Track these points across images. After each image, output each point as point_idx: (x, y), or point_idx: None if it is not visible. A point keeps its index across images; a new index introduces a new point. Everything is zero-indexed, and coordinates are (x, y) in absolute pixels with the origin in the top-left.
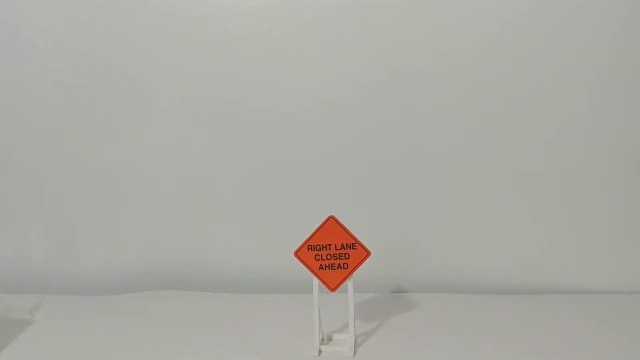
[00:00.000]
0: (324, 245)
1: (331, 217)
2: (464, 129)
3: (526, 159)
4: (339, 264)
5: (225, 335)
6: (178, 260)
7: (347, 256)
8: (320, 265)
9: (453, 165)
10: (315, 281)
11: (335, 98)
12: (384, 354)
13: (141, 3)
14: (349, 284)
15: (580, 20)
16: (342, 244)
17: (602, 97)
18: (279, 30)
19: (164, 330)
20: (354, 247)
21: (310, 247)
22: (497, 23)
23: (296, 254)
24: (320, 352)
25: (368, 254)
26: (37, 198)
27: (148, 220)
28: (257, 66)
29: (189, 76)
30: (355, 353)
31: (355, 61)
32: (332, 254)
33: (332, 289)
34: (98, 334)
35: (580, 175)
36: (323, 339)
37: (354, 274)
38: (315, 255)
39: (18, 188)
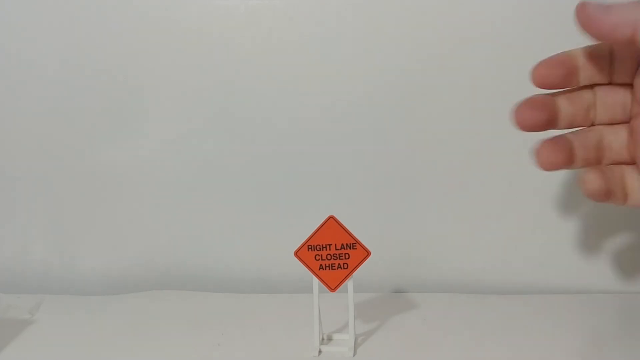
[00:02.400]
0: (324, 245)
1: (331, 217)
2: (464, 129)
3: (527, 159)
4: (339, 264)
5: (225, 335)
6: (178, 260)
7: (347, 256)
8: (320, 265)
9: (453, 165)
10: (315, 281)
11: (335, 98)
12: (384, 354)
13: (141, 3)
14: (349, 284)
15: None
16: (342, 244)
17: None
18: (280, 30)
19: (164, 330)
20: (354, 247)
21: (310, 247)
22: (497, 22)
23: (296, 254)
24: (320, 352)
25: (368, 254)
26: (37, 198)
27: (148, 220)
28: (257, 66)
29: (190, 76)
30: (355, 353)
31: (356, 61)
32: (332, 254)
33: (332, 289)
34: (98, 334)
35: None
36: (323, 339)
37: (354, 274)
38: (315, 255)
39: (18, 188)
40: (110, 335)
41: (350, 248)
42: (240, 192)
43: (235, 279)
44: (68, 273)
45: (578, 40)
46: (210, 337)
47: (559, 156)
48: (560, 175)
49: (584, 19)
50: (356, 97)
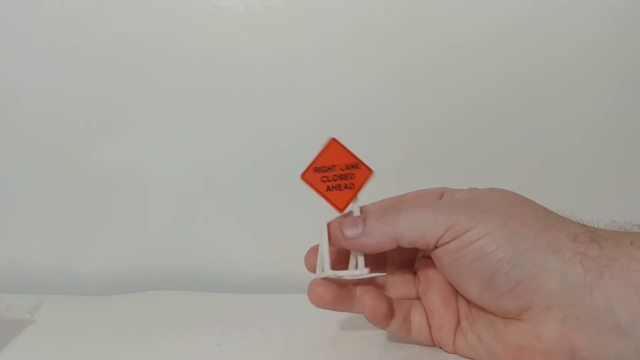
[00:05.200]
0: (329, 167)
1: (333, 139)
2: (465, 130)
3: (526, 159)
4: (345, 184)
5: (225, 335)
6: (178, 261)
7: (352, 176)
8: (328, 186)
9: (451, 166)
10: (323, 204)
11: (336, 98)
12: None
13: (142, 3)
14: (355, 206)
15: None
16: (346, 165)
17: (605, 98)
18: (280, 31)
19: (164, 330)
20: (357, 167)
21: (316, 169)
22: (497, 21)
23: (303, 176)
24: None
25: (371, 172)
26: (37, 198)
27: (148, 220)
28: (257, 66)
29: (190, 76)
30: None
31: (355, 62)
32: (338, 174)
33: (341, 210)
34: (98, 334)
35: (579, 175)
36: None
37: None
38: (322, 177)
39: (18, 188)
40: (110, 336)
41: (354, 168)
42: (240, 192)
43: (235, 279)
44: (68, 273)
45: (573, 40)
46: (210, 337)
47: (327, 292)
48: (560, 176)
49: (348, 244)
50: (356, 97)
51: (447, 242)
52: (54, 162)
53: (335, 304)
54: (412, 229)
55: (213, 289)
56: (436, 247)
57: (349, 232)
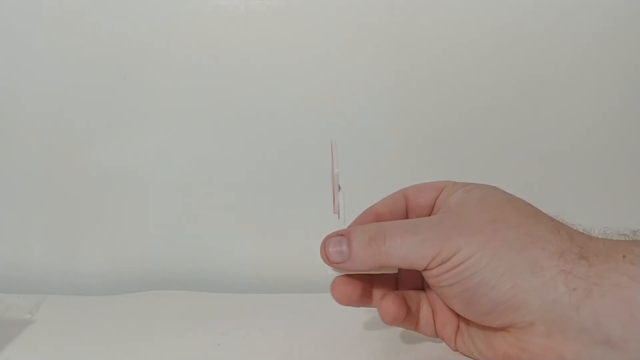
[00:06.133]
0: None
1: None
2: (465, 130)
3: (525, 159)
4: None
5: (225, 335)
6: (178, 261)
7: None
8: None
9: (451, 166)
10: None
11: (336, 98)
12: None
13: (142, 3)
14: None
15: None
16: None
17: (605, 98)
18: (280, 31)
19: (164, 330)
20: None
21: None
22: (497, 21)
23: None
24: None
25: None
26: (37, 198)
27: (148, 220)
28: (257, 66)
29: (190, 76)
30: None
31: (355, 62)
32: None
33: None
34: (98, 334)
35: (579, 176)
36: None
37: None
38: None
39: (18, 188)
40: (110, 336)
41: None
42: (240, 192)
43: (235, 279)
44: (68, 273)
45: (573, 40)
46: (210, 337)
47: (355, 290)
48: (561, 177)
49: (333, 266)
50: (356, 97)
51: (432, 269)
52: (54, 162)
53: (359, 301)
54: (398, 259)
55: (213, 289)
56: (423, 271)
57: (334, 258)
